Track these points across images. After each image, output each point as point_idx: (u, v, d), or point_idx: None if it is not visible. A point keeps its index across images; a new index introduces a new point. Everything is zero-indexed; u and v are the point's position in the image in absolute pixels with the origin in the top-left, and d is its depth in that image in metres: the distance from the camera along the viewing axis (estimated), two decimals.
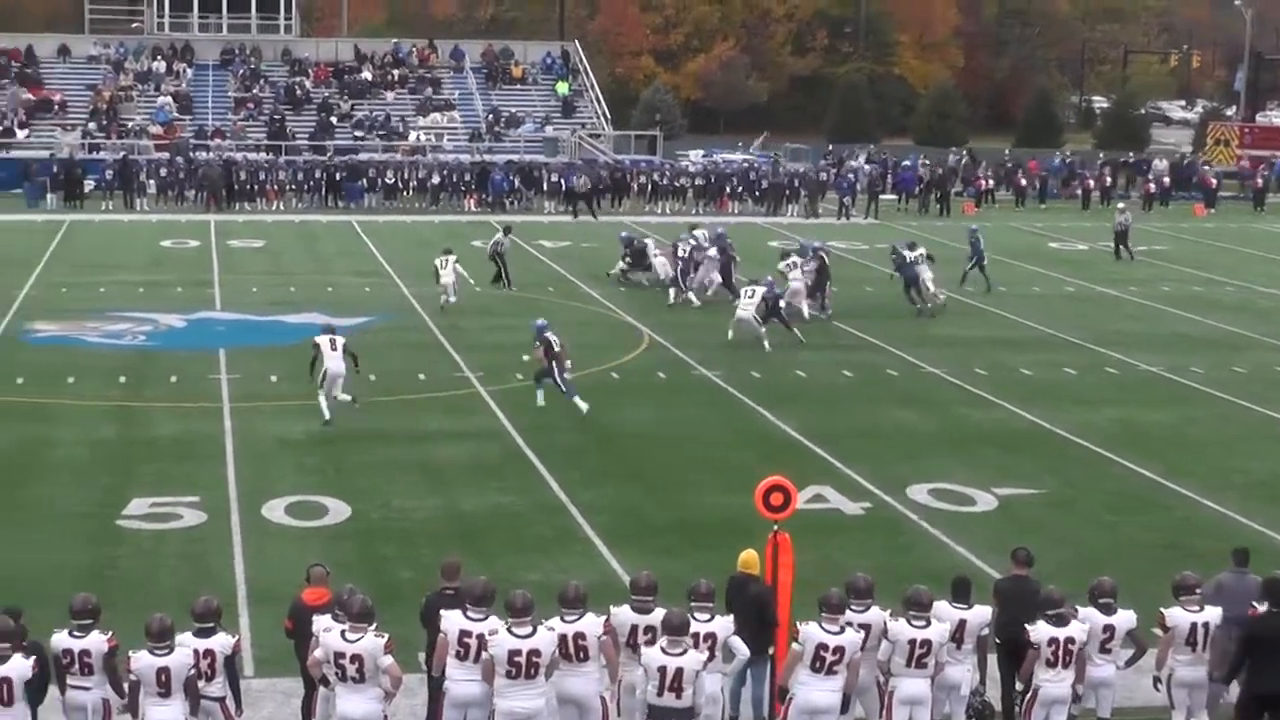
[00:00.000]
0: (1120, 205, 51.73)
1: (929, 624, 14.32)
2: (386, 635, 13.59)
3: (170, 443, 25.86)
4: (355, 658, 13.40)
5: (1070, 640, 14.48)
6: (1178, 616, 14.86)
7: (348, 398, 27.39)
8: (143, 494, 22.77)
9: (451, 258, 39.14)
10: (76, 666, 13.53)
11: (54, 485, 23.35)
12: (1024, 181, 68.41)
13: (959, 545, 21.36)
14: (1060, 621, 14.54)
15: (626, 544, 20.94)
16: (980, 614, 14.94)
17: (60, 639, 13.64)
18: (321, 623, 13.83)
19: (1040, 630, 14.53)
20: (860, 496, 23.65)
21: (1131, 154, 79.66)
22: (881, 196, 63.75)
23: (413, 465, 24.80)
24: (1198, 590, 15.02)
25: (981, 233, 44.85)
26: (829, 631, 14.05)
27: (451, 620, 13.93)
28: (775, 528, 15.82)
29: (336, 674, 13.50)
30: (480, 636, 13.70)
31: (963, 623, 14.79)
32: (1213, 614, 14.91)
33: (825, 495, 23.50)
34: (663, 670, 13.59)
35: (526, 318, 37.33)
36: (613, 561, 20.24)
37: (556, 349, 28.17)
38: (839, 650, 14.00)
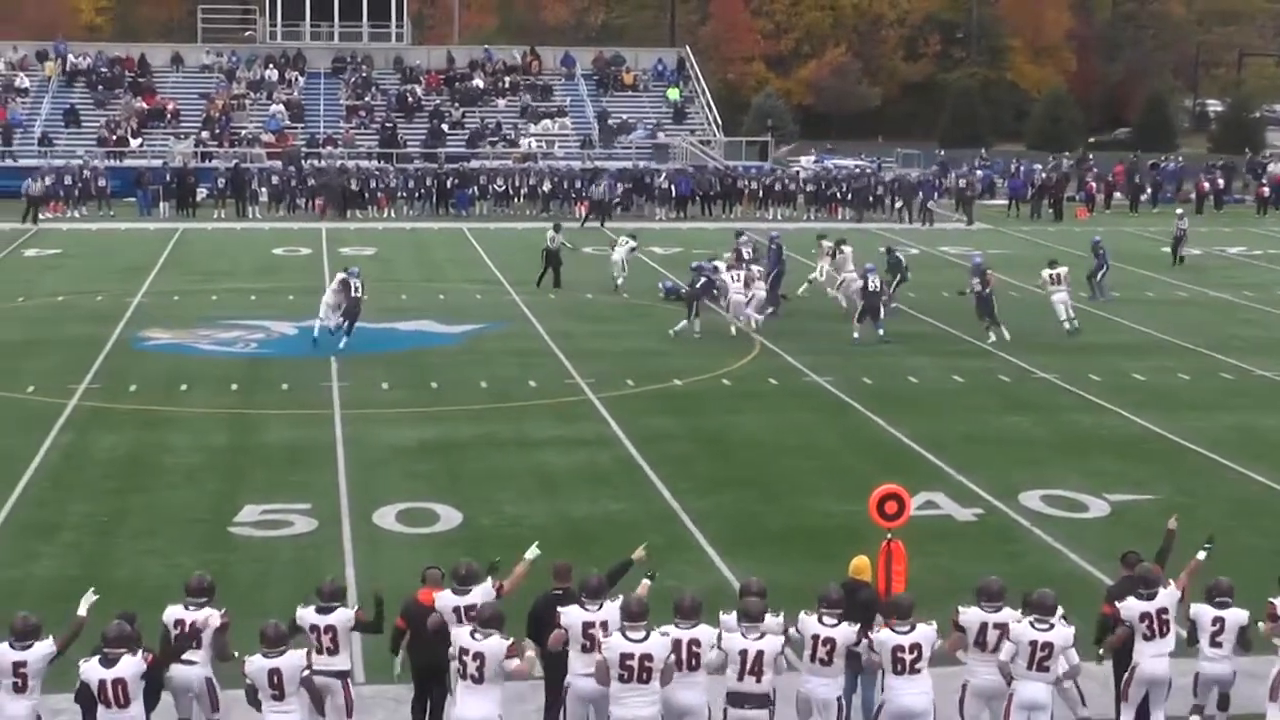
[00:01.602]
0: (1179, 211, 51.01)
1: (1052, 627, 14.19)
2: (511, 639, 13.73)
3: (281, 450, 26.05)
4: (478, 655, 13.55)
5: (1163, 611, 14.60)
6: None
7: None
8: (254, 501, 22.95)
9: (630, 242, 42.22)
10: (187, 638, 13.93)
11: (167, 492, 23.58)
12: (1141, 182, 67.68)
13: (1071, 552, 21.13)
14: (1149, 597, 14.63)
15: (739, 552, 20.86)
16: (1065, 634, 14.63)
17: (174, 610, 14.02)
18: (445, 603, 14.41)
19: (1130, 606, 14.60)
20: (972, 503, 23.46)
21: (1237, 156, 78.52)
22: (989, 202, 63.25)
23: (524, 472, 24.84)
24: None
25: (1105, 242, 44.38)
26: (900, 633, 14.05)
27: (571, 615, 14.18)
28: (889, 536, 15.72)
29: (458, 669, 13.68)
30: (603, 624, 13.98)
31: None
32: None
33: (936, 501, 23.33)
34: (743, 654, 13.78)
35: (638, 324, 37.67)
36: (725, 570, 20.17)
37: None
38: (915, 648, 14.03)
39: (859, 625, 14.34)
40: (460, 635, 13.78)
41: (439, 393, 30.23)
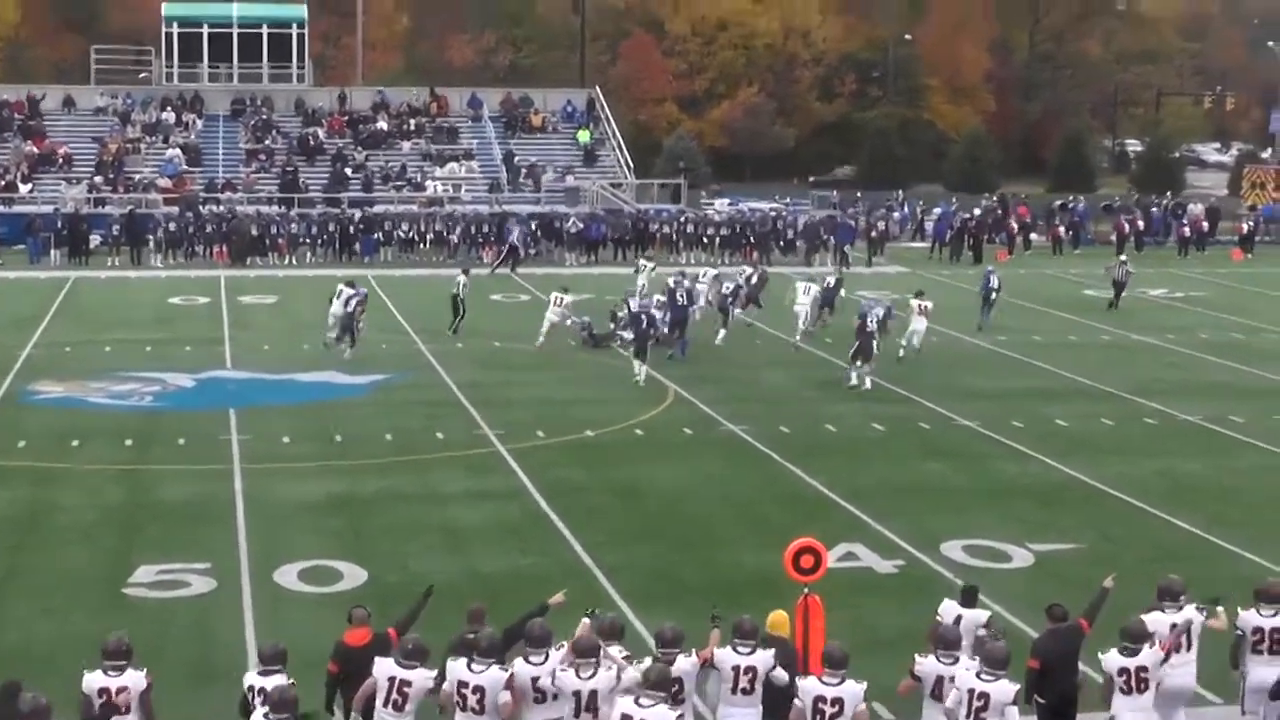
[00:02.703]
0: (1122, 258, 51.55)
1: (997, 679, 14.30)
2: (510, 670, 14.13)
3: (179, 507, 25.77)
4: (478, 689, 13.96)
5: (1143, 669, 14.94)
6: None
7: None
8: (150, 560, 22.65)
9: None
10: (111, 707, 13.74)
11: (58, 552, 23.25)
12: (1061, 228, 68.29)
13: (995, 603, 21.10)
14: (1133, 653, 14.98)
15: (653, 606, 20.76)
16: (977, 615, 16.00)
17: (94, 678, 13.88)
18: (382, 666, 14.29)
19: (1110, 659, 15.05)
20: (892, 554, 23.49)
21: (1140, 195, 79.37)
22: (911, 244, 63.66)
23: (431, 527, 24.70)
24: (1181, 596, 15.86)
25: (996, 274, 45.61)
26: (827, 684, 14.10)
27: (521, 672, 14.32)
28: (805, 590, 15.71)
29: (458, 703, 14.06)
30: (478, 687, 14.10)
31: (959, 617, 15.80)
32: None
33: (856, 553, 23.35)
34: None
35: (548, 373, 37.59)
36: (639, 625, 20.07)
37: None
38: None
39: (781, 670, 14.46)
40: (457, 668, 14.11)
41: (343, 446, 30.03)
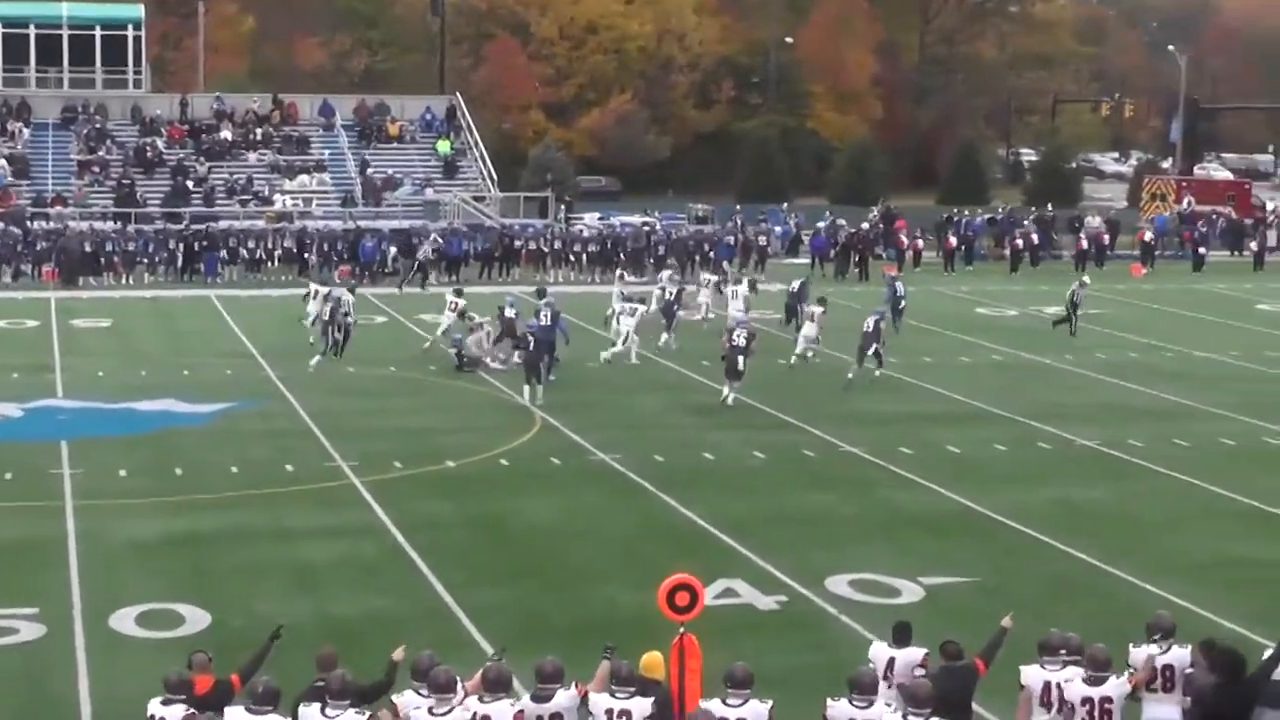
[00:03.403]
0: (1085, 279, 51.57)
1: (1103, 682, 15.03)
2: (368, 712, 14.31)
3: (4, 547, 25.45)
4: None
5: (1107, 700, 15.19)
6: (1033, 675, 15.61)
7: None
8: None
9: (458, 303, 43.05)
10: None
11: None
12: (953, 242, 68.92)
13: (883, 641, 21.29)
14: (1098, 681, 15.30)
15: (521, 650, 20.69)
16: (912, 654, 16.07)
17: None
18: (233, 715, 14.17)
19: (1074, 689, 15.29)
20: (774, 590, 23.63)
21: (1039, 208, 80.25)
22: (793, 260, 64.08)
23: (280, 567, 24.58)
24: (1061, 651, 15.75)
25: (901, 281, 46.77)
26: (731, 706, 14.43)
27: (307, 716, 14.27)
28: (681, 630, 15.78)
29: None
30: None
31: (892, 660, 16.09)
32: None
33: (736, 589, 23.46)
34: None
35: (406, 399, 37.52)
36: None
37: None
38: None
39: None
40: (310, 715, 14.13)
41: (184, 479, 29.81)
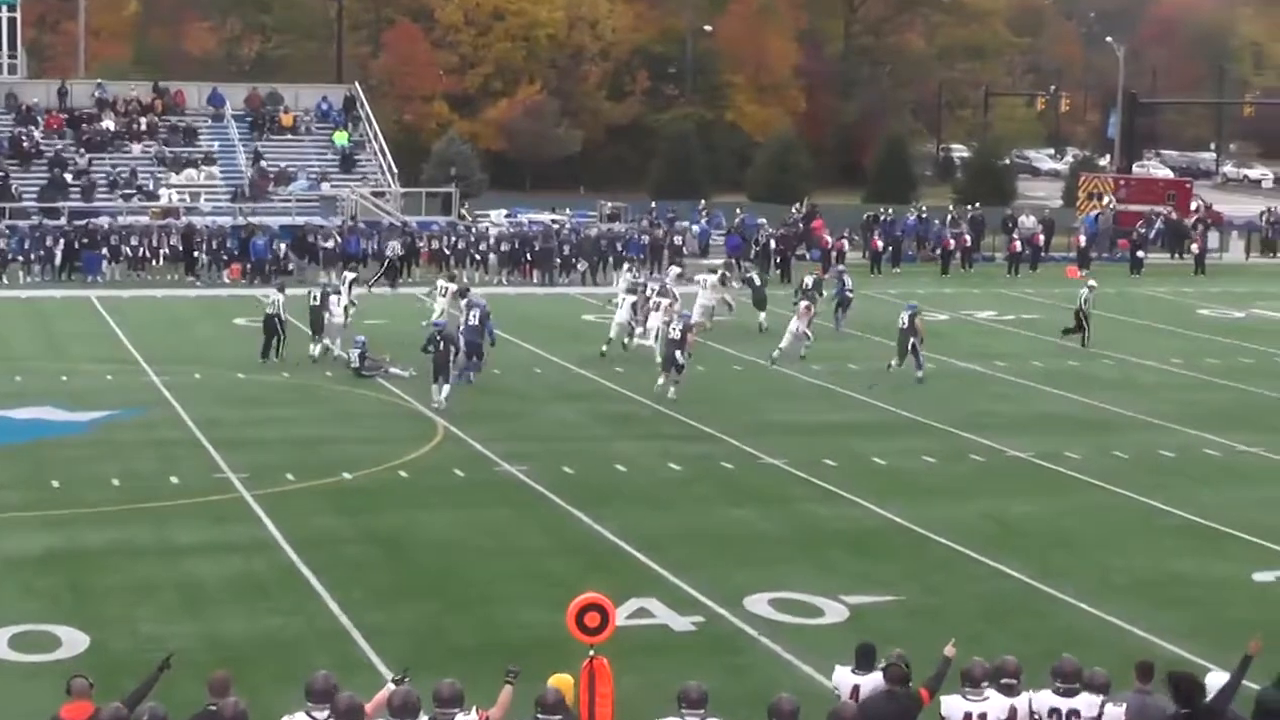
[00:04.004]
0: (1092, 284, 51.60)
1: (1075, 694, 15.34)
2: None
3: None
4: None
5: (1074, 713, 15.52)
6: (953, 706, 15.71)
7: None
8: None
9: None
10: None
11: None
12: (880, 243, 69.17)
13: (804, 663, 21.43)
14: (1069, 693, 15.72)
15: (421, 674, 20.64)
16: (879, 679, 16.00)
17: None
18: None
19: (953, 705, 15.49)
20: (690, 609, 23.67)
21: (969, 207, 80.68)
22: (712, 261, 64.10)
23: (165, 585, 24.43)
24: (984, 683, 15.83)
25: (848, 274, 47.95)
26: None
27: None
28: (591, 652, 15.79)
29: None
30: None
31: (857, 687, 16.06)
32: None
33: (650, 609, 23.49)
34: None
35: (300, 408, 37.41)
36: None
37: None
38: None
39: None
40: None
41: (62, 492, 29.60)
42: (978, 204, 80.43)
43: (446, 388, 37.44)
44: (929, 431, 36.49)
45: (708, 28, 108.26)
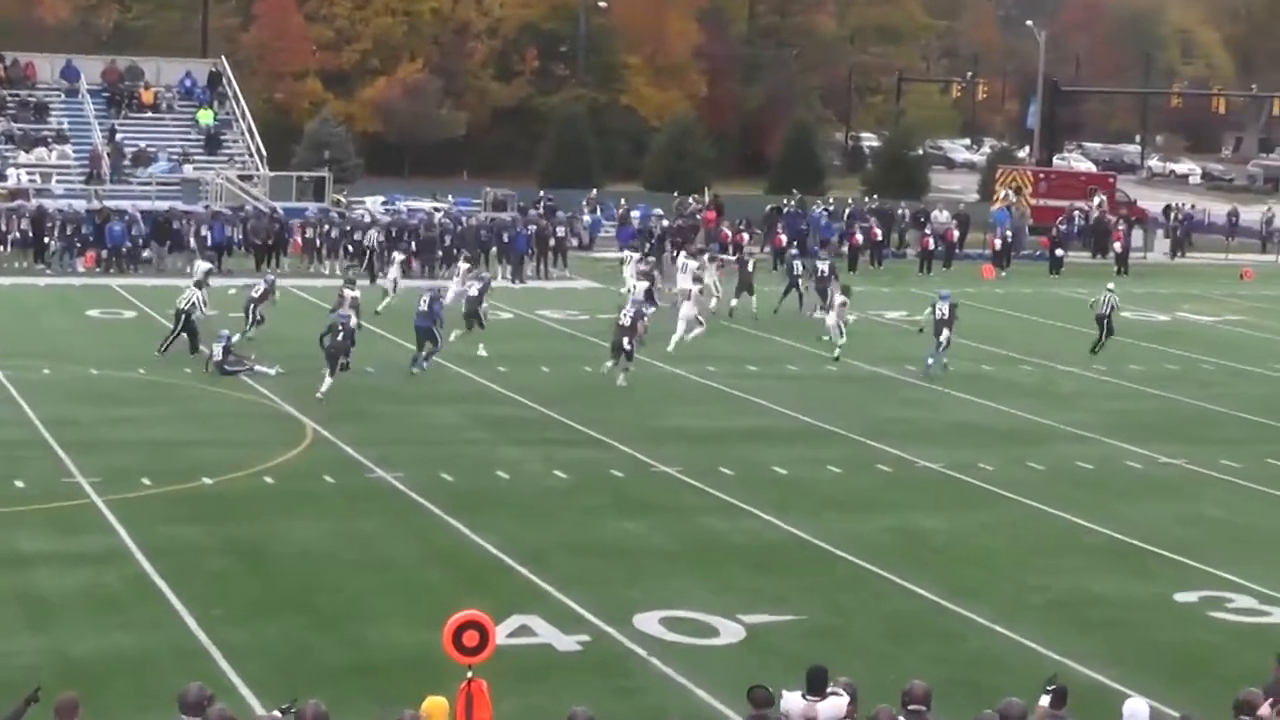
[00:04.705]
0: (1110, 286, 51.73)
1: None
2: None
3: None
4: None
5: None
6: None
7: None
8: None
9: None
10: None
11: None
12: (783, 238, 69.28)
13: (697, 686, 21.43)
14: None
15: (283, 694, 20.61)
16: (835, 706, 16.09)
17: None
18: None
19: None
20: (576, 628, 23.64)
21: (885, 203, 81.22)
22: (604, 254, 64.28)
23: (7, 598, 24.19)
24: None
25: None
26: None
27: None
28: (469, 674, 15.75)
29: None
30: None
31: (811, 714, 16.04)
32: None
33: (532, 627, 23.44)
34: None
35: (158, 406, 37.14)
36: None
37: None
38: None
39: None
40: None
41: None
42: (875, 195, 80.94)
43: (330, 380, 37.75)
44: (834, 439, 36.59)
45: (603, 4, 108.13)
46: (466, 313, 44.37)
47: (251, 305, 44.15)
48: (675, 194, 78.63)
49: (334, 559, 26.67)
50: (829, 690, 16.41)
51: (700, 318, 46.40)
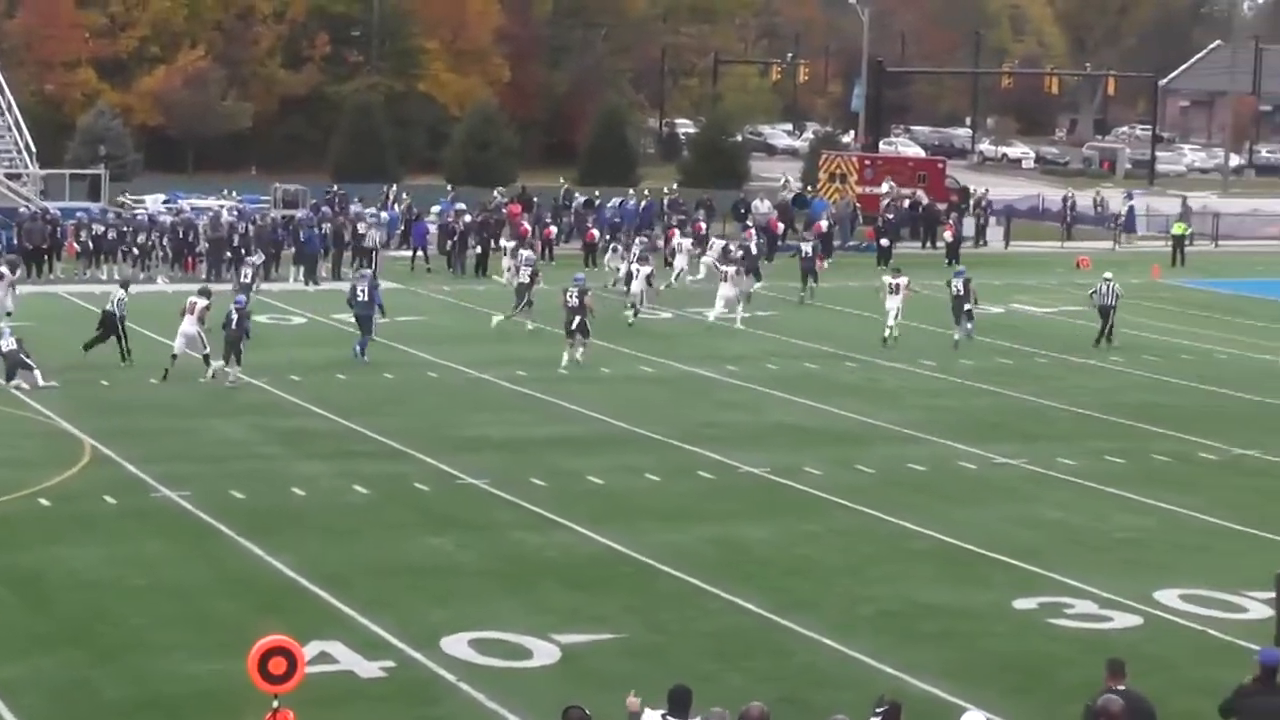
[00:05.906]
0: (1107, 275, 51.82)
1: None
2: None
3: None
4: None
5: None
6: None
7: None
8: None
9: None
10: None
11: None
12: (595, 232, 69.30)
13: (510, 712, 21.44)
14: None
15: None
16: None
17: None
18: None
19: None
20: (380, 653, 23.58)
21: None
22: (400, 253, 64.17)
23: None
24: None
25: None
26: None
27: None
28: (275, 704, 15.68)
29: None
30: None
31: None
32: None
33: (332, 653, 23.36)
34: None
35: None
36: None
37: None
38: None
39: None
40: None
41: None
42: (675, 185, 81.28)
43: (238, 368, 40.54)
44: (650, 445, 36.68)
45: None
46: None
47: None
48: (500, 188, 78.39)
49: (116, 587, 26.41)
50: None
51: (737, 296, 52.62)
